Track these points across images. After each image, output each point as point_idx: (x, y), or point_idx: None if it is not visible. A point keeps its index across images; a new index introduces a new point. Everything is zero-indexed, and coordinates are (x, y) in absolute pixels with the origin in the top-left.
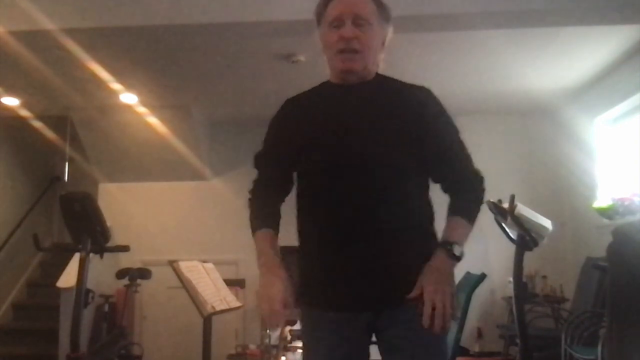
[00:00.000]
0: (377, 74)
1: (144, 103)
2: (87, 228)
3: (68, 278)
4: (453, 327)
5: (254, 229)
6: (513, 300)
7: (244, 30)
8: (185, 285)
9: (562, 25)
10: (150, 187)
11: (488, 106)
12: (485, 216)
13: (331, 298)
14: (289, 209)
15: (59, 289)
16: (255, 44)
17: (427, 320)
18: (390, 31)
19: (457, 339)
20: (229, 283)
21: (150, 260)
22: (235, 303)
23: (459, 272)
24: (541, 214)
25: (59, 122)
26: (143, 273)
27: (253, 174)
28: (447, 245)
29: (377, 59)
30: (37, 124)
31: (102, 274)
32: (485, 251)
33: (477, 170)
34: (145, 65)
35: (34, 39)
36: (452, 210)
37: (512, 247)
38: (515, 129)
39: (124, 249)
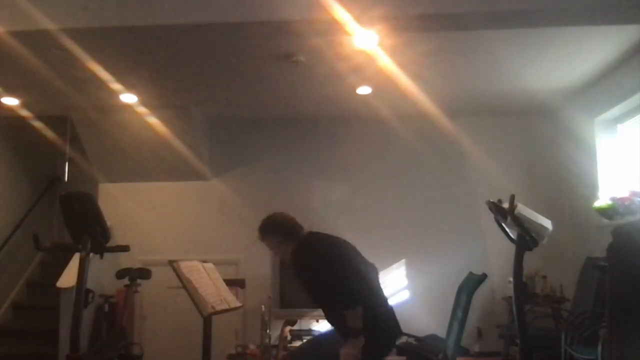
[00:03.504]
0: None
1: (144, 103)
2: (87, 228)
3: (68, 278)
4: (454, 327)
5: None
6: (513, 300)
7: (244, 30)
8: (185, 285)
9: (562, 25)
10: (150, 187)
11: (488, 106)
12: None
13: None
14: None
15: (59, 289)
16: (255, 44)
17: None
18: (272, 236)
19: (458, 339)
20: (229, 283)
21: (150, 260)
22: (235, 303)
23: (460, 272)
24: (541, 214)
25: (59, 122)
26: (143, 273)
27: (252, 173)
28: None
29: (282, 251)
30: (37, 124)
31: (102, 274)
32: (485, 251)
33: None
34: (145, 65)
35: (34, 39)
36: None
37: (512, 247)
38: (515, 129)
39: (124, 249)
